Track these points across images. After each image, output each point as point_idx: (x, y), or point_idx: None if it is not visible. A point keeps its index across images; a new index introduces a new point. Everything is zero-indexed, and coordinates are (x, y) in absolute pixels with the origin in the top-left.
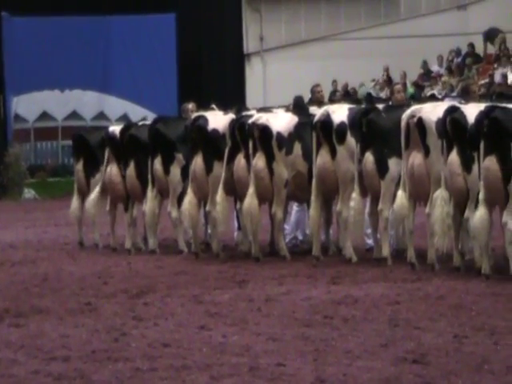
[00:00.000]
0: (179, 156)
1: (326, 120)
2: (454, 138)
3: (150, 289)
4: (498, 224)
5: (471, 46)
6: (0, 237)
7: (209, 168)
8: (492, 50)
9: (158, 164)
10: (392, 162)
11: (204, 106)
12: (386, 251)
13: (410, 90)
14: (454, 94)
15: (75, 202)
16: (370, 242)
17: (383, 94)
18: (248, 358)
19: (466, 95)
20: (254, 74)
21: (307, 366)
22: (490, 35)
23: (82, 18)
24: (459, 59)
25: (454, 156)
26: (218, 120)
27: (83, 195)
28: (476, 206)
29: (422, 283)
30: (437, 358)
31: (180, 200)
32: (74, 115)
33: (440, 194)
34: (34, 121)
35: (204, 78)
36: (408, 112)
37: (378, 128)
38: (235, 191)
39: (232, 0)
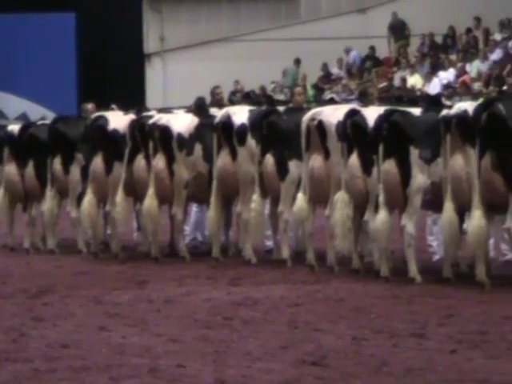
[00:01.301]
0: (79, 156)
1: (227, 121)
2: (354, 140)
3: (49, 289)
4: (398, 227)
5: (371, 48)
6: None
7: (109, 168)
8: (394, 51)
9: (57, 164)
10: (292, 164)
11: (104, 106)
12: (285, 253)
13: (310, 92)
14: (353, 96)
15: None
16: (269, 243)
17: (283, 97)
18: (148, 359)
19: (364, 98)
20: (154, 74)
21: (207, 367)
22: (396, 29)
23: None
24: (351, 59)
25: (354, 159)
26: (118, 120)
27: None
28: (376, 209)
29: (322, 285)
30: (336, 360)
31: (79, 200)
32: None
33: (340, 197)
34: None
35: (104, 78)
36: (308, 115)
37: (278, 130)
38: (135, 192)
39: (133, 0)
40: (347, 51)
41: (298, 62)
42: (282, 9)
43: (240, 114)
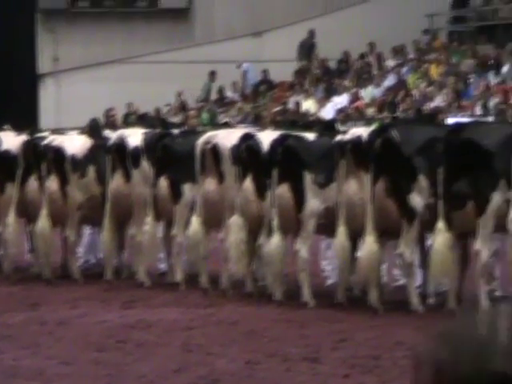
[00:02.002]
0: None
1: (121, 144)
2: (249, 164)
3: None
4: (291, 251)
5: (265, 72)
6: None
7: (0, 189)
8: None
9: None
10: (186, 187)
11: None
12: (179, 276)
13: (205, 115)
14: (248, 120)
15: None
16: (163, 266)
17: (177, 119)
18: (40, 382)
19: (258, 122)
20: (47, 94)
21: None
22: (305, 48)
23: None
24: (244, 69)
25: (248, 183)
26: (10, 141)
27: None
28: (269, 233)
29: (215, 309)
30: (229, 383)
31: None
32: None
33: (234, 221)
34: None
35: None
36: (203, 138)
37: (172, 153)
38: (27, 213)
39: (26, 19)
40: (239, 66)
41: (212, 74)
42: (176, 31)
43: (134, 137)
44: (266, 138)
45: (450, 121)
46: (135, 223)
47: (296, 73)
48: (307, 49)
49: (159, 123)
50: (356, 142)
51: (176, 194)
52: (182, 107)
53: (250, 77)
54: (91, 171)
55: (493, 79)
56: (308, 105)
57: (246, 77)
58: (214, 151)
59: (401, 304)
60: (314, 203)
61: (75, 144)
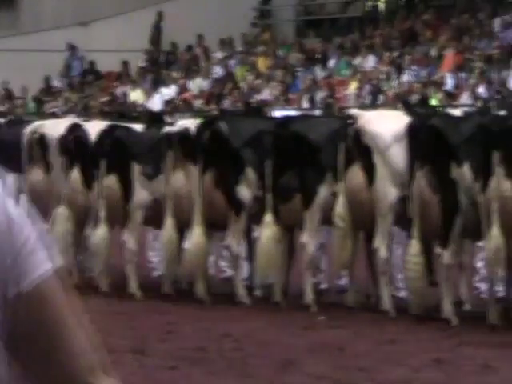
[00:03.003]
0: None
1: None
2: (76, 155)
3: None
4: (119, 242)
5: (92, 62)
6: None
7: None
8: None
9: None
10: (10, 177)
11: None
12: None
13: (31, 104)
14: (76, 110)
15: None
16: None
17: (3, 108)
18: None
19: (86, 112)
20: None
21: None
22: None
23: None
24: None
25: (75, 173)
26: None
27: None
28: (96, 224)
29: None
30: None
31: None
32: None
33: (61, 211)
34: None
35: None
36: (30, 128)
37: None
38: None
39: None
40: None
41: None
42: (2, 19)
43: None
44: (94, 128)
45: (278, 114)
46: None
47: (123, 63)
48: (155, 35)
49: None
50: (184, 133)
51: None
52: (8, 96)
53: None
54: None
55: (319, 73)
56: (135, 95)
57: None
58: (41, 141)
59: (227, 296)
60: (141, 195)
61: None
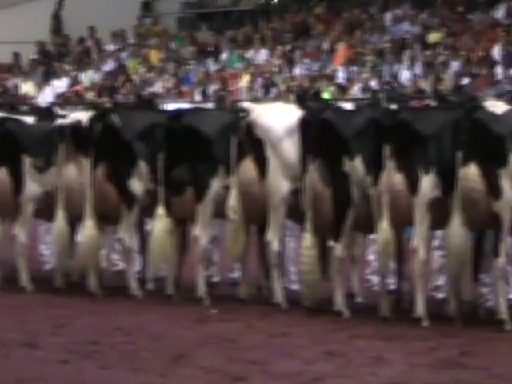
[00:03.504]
0: None
1: None
2: None
3: None
4: (9, 235)
5: None
6: None
7: None
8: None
9: None
10: None
11: None
12: None
13: None
14: None
15: None
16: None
17: None
18: None
19: None
20: None
21: None
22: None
23: None
24: None
25: None
26: None
27: None
28: None
29: None
30: None
31: None
32: None
33: None
34: None
35: None
36: None
37: None
38: None
39: None
40: None
41: None
42: None
43: None
44: None
45: (170, 107)
46: None
47: (14, 55)
48: (55, 25)
49: None
50: (76, 126)
51: None
52: None
53: None
54: None
55: (212, 66)
56: (27, 88)
57: None
58: None
59: (120, 289)
60: (32, 187)
61: None
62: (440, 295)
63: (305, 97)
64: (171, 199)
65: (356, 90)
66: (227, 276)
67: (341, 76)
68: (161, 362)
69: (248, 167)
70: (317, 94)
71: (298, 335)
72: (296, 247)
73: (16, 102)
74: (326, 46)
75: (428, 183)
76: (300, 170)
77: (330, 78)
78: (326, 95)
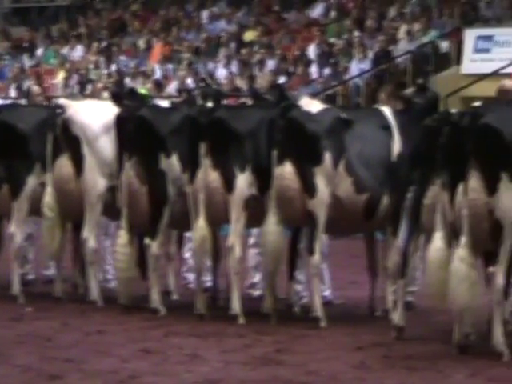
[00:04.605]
0: None
1: None
2: None
3: None
4: None
5: None
6: None
7: None
8: None
9: None
10: None
11: None
12: None
13: None
14: None
15: None
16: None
17: None
18: None
19: None
20: None
21: None
22: None
23: None
24: None
25: None
26: None
27: None
28: None
29: None
30: None
31: None
32: None
33: None
34: None
35: None
36: None
37: None
38: None
39: None
40: None
41: None
42: None
43: None
44: None
45: None
46: None
47: None
48: None
49: None
50: None
51: None
52: None
53: None
54: None
55: (27, 62)
56: None
57: None
58: None
59: None
60: None
61: None
62: (256, 292)
63: (121, 94)
64: None
65: (172, 88)
66: (42, 274)
67: (158, 73)
68: None
69: (64, 164)
70: (133, 92)
71: (113, 333)
72: (111, 244)
73: None
74: (142, 43)
75: (244, 181)
76: (116, 168)
77: (147, 76)
78: (142, 93)
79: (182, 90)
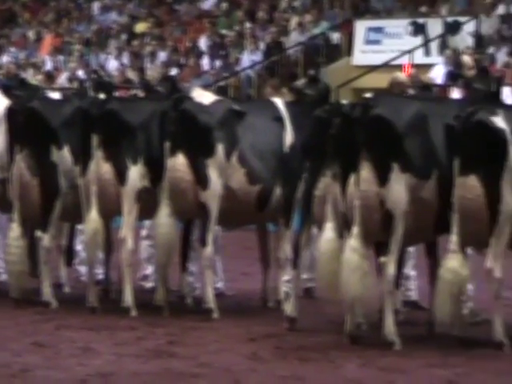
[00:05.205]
0: None
1: None
2: None
3: None
4: None
5: None
6: None
7: None
8: None
9: None
10: None
11: None
12: None
13: None
14: None
15: None
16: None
17: None
18: None
19: None
20: None
21: None
22: None
23: None
24: None
25: None
26: None
27: None
28: None
29: None
30: None
31: None
32: None
33: None
34: None
35: None
36: None
37: None
38: None
39: None
40: None
41: None
42: None
43: None
44: None
45: None
46: None
47: None
48: None
49: None
50: None
51: None
52: None
53: None
54: None
55: None
56: None
57: None
58: None
59: None
60: None
61: None
62: (148, 285)
63: (11, 85)
64: None
65: (63, 79)
66: None
67: (48, 65)
68: None
69: None
70: (23, 83)
71: (4, 327)
72: (3, 238)
73: None
74: (32, 34)
75: (136, 173)
76: (7, 160)
77: (38, 67)
78: (32, 84)
79: (74, 78)
